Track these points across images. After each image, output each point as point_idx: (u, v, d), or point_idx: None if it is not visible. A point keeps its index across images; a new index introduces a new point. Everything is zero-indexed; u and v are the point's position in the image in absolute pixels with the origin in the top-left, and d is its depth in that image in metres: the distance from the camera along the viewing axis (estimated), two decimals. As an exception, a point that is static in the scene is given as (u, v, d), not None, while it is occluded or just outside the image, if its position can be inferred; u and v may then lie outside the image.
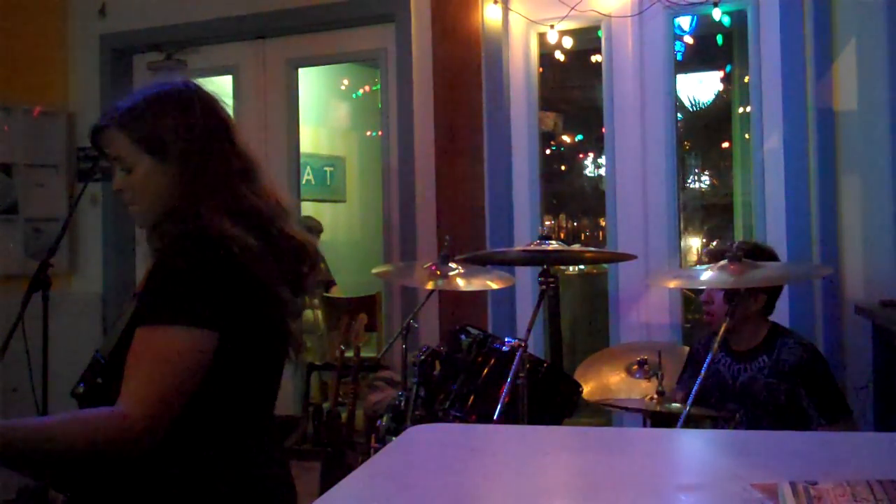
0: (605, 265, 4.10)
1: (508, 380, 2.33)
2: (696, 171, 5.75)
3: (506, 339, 2.63)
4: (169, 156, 1.54)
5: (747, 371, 2.68)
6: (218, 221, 1.48)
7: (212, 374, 1.44)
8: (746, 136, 3.98)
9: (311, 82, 5.62)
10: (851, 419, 2.64)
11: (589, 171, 5.83)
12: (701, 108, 5.75)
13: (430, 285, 2.89)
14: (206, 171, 1.54)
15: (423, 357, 2.68)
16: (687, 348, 3.27)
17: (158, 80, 1.65)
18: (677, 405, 2.54)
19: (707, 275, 2.41)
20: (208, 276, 1.44)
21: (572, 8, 3.62)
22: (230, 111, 1.65)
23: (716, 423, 2.71)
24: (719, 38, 4.56)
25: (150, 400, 1.37)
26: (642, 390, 2.87)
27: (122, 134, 1.55)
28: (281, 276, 1.54)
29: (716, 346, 2.38)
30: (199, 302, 1.42)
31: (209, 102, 1.60)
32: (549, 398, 2.60)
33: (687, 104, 5.67)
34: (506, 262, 3.28)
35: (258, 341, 1.52)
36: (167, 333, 1.41)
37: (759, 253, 2.60)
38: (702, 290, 2.79)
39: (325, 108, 6.41)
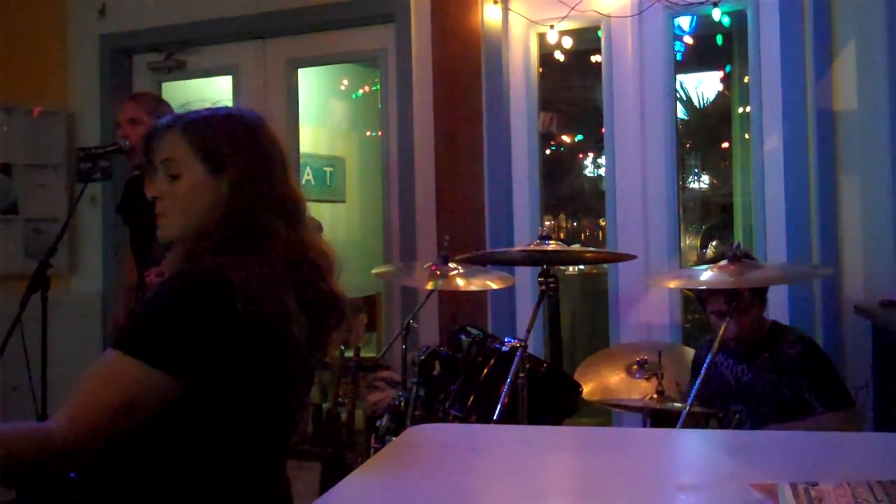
0: (604, 265, 4.10)
1: (508, 380, 2.33)
2: (696, 171, 5.75)
3: (506, 339, 2.63)
4: (224, 170, 1.49)
5: (750, 370, 2.69)
6: (240, 261, 1.42)
7: (190, 425, 1.40)
8: (746, 136, 3.98)
9: (311, 82, 5.61)
10: (855, 410, 2.64)
11: (589, 171, 5.83)
12: (701, 108, 5.75)
13: (429, 285, 2.89)
14: (253, 197, 1.49)
15: (422, 357, 2.68)
16: (687, 348, 3.27)
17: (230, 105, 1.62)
18: (677, 404, 2.54)
19: (707, 275, 2.41)
20: (193, 322, 1.38)
21: (572, 8, 3.62)
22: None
23: (720, 423, 2.71)
24: (719, 38, 4.56)
25: (84, 423, 1.34)
26: (642, 390, 2.87)
27: (182, 137, 1.51)
28: (299, 333, 1.45)
29: (716, 345, 2.38)
30: (170, 344, 1.37)
31: (274, 134, 1.58)
32: (549, 398, 2.60)
33: (695, 102, 5.68)
34: (506, 262, 3.28)
35: (246, 399, 1.45)
36: (123, 362, 1.36)
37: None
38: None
39: (324, 109, 6.40)
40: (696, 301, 3.03)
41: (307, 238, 1.56)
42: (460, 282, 2.86)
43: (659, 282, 3.29)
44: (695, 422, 2.47)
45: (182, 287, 1.42)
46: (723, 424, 2.68)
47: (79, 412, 1.35)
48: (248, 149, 1.52)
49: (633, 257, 2.95)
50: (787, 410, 2.60)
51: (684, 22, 4.00)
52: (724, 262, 2.42)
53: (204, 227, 1.49)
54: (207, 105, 1.62)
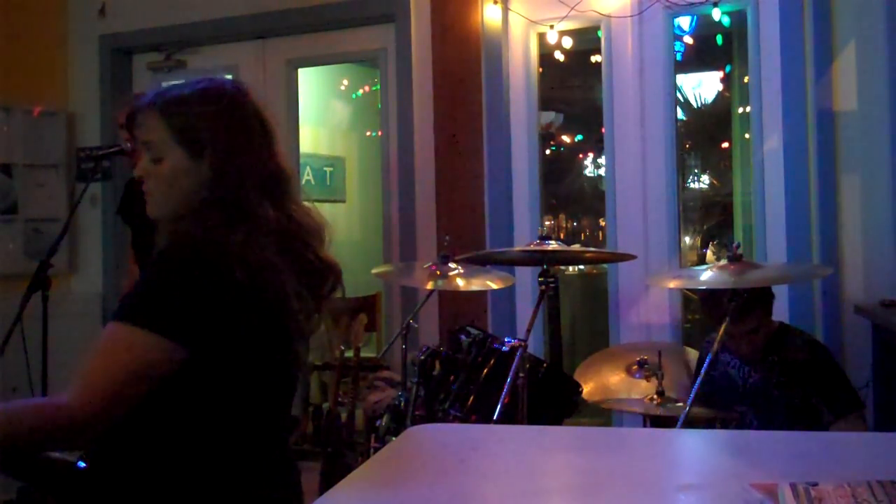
0: (604, 265, 4.10)
1: (508, 380, 2.33)
2: (696, 171, 5.75)
3: (506, 339, 2.63)
4: (203, 154, 1.50)
5: (757, 373, 2.68)
6: (230, 234, 1.44)
7: (197, 393, 1.42)
8: (746, 136, 3.98)
9: (311, 82, 5.61)
10: (862, 413, 2.64)
11: (589, 171, 5.83)
12: (701, 109, 5.74)
13: (429, 285, 2.89)
14: (236, 177, 1.50)
15: (422, 357, 2.68)
16: (687, 348, 3.27)
17: (211, 76, 1.62)
18: (677, 405, 2.54)
19: (707, 275, 2.41)
20: (194, 290, 1.40)
21: (572, 8, 3.62)
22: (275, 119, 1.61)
23: (723, 424, 2.71)
24: (719, 39, 4.56)
25: (95, 394, 1.35)
26: (642, 390, 2.87)
27: (161, 119, 1.52)
28: (294, 297, 1.48)
29: (716, 345, 2.37)
30: (172, 311, 1.39)
31: (256, 107, 1.57)
32: (549, 398, 2.60)
33: (694, 103, 5.67)
34: (506, 262, 3.28)
35: (249, 364, 1.47)
36: (128, 332, 1.39)
37: None
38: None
39: (324, 109, 6.40)
40: (699, 303, 3.03)
41: (295, 212, 1.56)
42: (460, 282, 2.86)
43: (659, 282, 3.28)
44: (697, 423, 2.47)
45: (178, 257, 1.44)
46: (725, 425, 2.68)
47: (88, 385, 1.36)
48: (228, 127, 1.52)
49: (633, 257, 2.95)
50: (794, 413, 2.59)
51: (684, 22, 4.00)
52: (723, 262, 2.42)
53: (189, 206, 1.50)
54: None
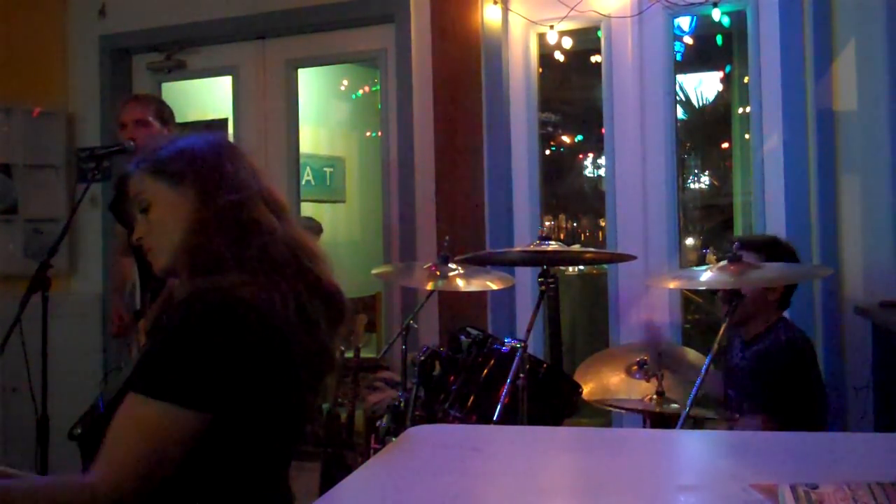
0: (604, 266, 4.10)
1: (508, 380, 2.33)
2: (696, 171, 5.74)
3: (506, 340, 2.63)
4: (184, 180, 1.49)
5: (744, 358, 2.72)
6: (245, 280, 1.42)
7: (215, 450, 1.40)
8: (746, 136, 3.98)
9: (311, 83, 5.61)
10: (766, 420, 2.58)
11: (589, 171, 5.83)
12: (701, 109, 5.74)
13: (429, 286, 2.88)
14: (224, 186, 1.49)
15: (422, 357, 2.68)
16: (687, 349, 3.26)
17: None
18: (676, 405, 2.54)
19: (707, 275, 2.41)
20: (214, 355, 1.38)
21: (572, 8, 3.62)
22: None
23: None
24: (719, 39, 4.56)
25: (123, 474, 1.34)
26: (642, 391, 2.87)
27: (143, 171, 1.53)
28: (314, 337, 1.47)
29: (716, 346, 2.37)
30: (192, 380, 1.37)
31: (237, 148, 1.58)
32: (549, 399, 2.60)
33: (695, 103, 5.67)
34: (506, 263, 3.28)
35: (265, 420, 1.45)
36: (154, 408, 1.35)
37: (777, 248, 2.62)
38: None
39: (324, 109, 6.40)
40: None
41: (297, 232, 1.55)
42: (460, 282, 2.86)
43: (659, 282, 3.29)
44: (696, 424, 2.48)
45: (196, 318, 1.41)
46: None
47: (117, 464, 1.35)
48: (207, 156, 1.52)
49: (633, 258, 2.95)
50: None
51: (684, 22, 4.00)
52: (723, 263, 2.41)
53: (194, 239, 1.47)
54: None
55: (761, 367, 2.62)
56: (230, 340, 1.38)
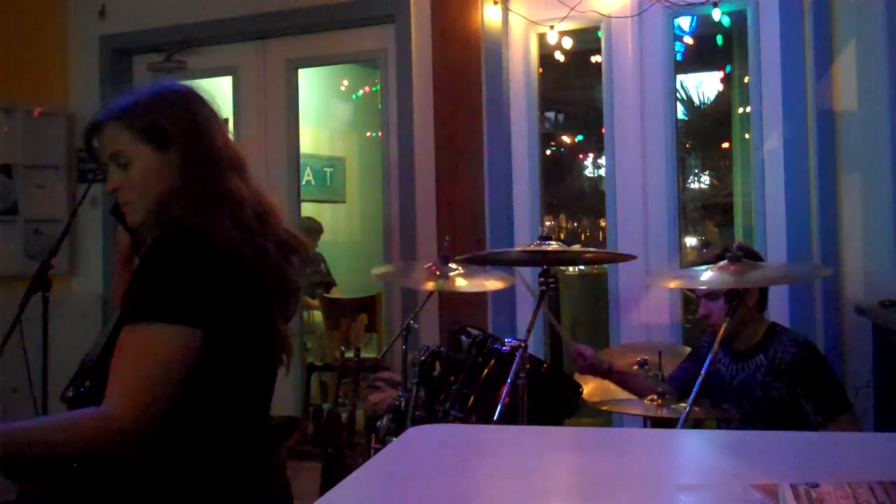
0: (605, 265, 4.10)
1: (508, 380, 2.33)
2: (696, 171, 5.75)
3: (506, 340, 2.63)
4: (170, 144, 1.52)
5: (745, 370, 2.67)
6: (212, 216, 1.47)
7: (199, 375, 1.43)
8: (746, 136, 3.98)
9: (311, 83, 5.62)
10: (852, 414, 2.63)
11: (589, 171, 5.83)
12: (701, 109, 5.75)
13: (430, 286, 2.88)
14: (206, 158, 1.53)
15: (423, 358, 2.68)
16: (688, 349, 3.26)
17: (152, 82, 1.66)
18: (675, 406, 2.53)
19: (707, 275, 2.41)
20: (193, 274, 1.42)
21: (572, 8, 3.62)
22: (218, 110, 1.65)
23: (719, 424, 2.71)
24: (719, 39, 4.56)
25: (136, 398, 1.36)
26: (642, 391, 2.86)
27: (121, 127, 1.54)
28: (272, 277, 1.52)
29: (716, 346, 2.37)
30: (182, 299, 1.41)
31: (201, 97, 1.62)
32: (550, 399, 2.60)
33: (696, 102, 5.68)
34: (506, 263, 3.28)
35: (246, 342, 1.50)
36: (150, 330, 1.39)
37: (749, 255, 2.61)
38: (701, 299, 2.78)
39: (325, 109, 6.41)
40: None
41: (257, 188, 1.61)
42: (460, 282, 2.86)
43: (659, 282, 3.29)
44: (696, 424, 2.47)
45: (171, 245, 1.46)
46: (720, 426, 2.68)
47: (130, 391, 1.37)
48: (187, 117, 1.56)
49: (633, 258, 2.95)
50: (778, 414, 2.58)
51: (684, 22, 4.00)
52: (723, 263, 2.41)
53: (170, 203, 1.50)
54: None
55: (806, 375, 2.57)
56: (204, 261, 1.44)
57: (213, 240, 1.45)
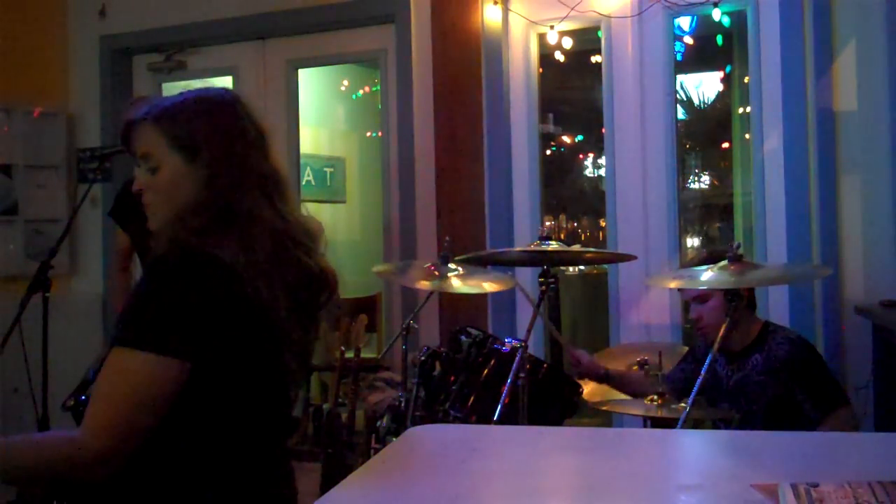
0: (605, 266, 4.10)
1: (508, 380, 2.33)
2: (696, 171, 5.75)
3: (506, 340, 2.63)
4: (198, 157, 1.50)
5: (741, 371, 2.68)
6: (220, 239, 1.43)
7: (194, 405, 1.40)
8: (746, 136, 3.98)
9: (311, 83, 5.61)
10: (849, 408, 2.62)
11: (589, 171, 5.83)
12: (701, 109, 5.75)
13: (429, 286, 2.88)
14: (231, 176, 1.50)
15: (423, 358, 2.68)
16: (687, 349, 3.26)
17: (201, 87, 1.61)
18: (675, 406, 2.53)
19: (707, 275, 2.41)
20: (185, 302, 1.39)
21: (572, 8, 3.62)
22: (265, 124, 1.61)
23: (716, 425, 2.70)
24: (719, 39, 4.56)
25: (108, 427, 1.34)
26: (642, 391, 2.86)
27: (156, 130, 1.51)
28: (287, 305, 1.46)
29: (716, 346, 2.37)
30: (170, 328, 1.37)
31: (249, 111, 1.58)
32: (550, 399, 2.60)
33: (696, 103, 5.67)
34: (506, 263, 3.28)
35: (243, 374, 1.45)
36: (135, 358, 1.36)
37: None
38: (691, 303, 2.78)
39: (325, 109, 6.40)
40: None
41: (290, 214, 1.55)
42: (460, 282, 2.86)
43: (659, 282, 3.29)
44: (695, 424, 2.47)
45: (168, 269, 1.43)
46: (717, 426, 2.67)
47: (103, 420, 1.36)
48: (222, 130, 1.52)
49: (633, 258, 2.95)
50: (775, 410, 2.58)
51: (684, 22, 4.00)
52: (724, 262, 2.41)
53: (188, 209, 1.48)
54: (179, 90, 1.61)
55: (801, 372, 2.58)
56: (202, 291, 1.40)
57: (214, 266, 1.41)
